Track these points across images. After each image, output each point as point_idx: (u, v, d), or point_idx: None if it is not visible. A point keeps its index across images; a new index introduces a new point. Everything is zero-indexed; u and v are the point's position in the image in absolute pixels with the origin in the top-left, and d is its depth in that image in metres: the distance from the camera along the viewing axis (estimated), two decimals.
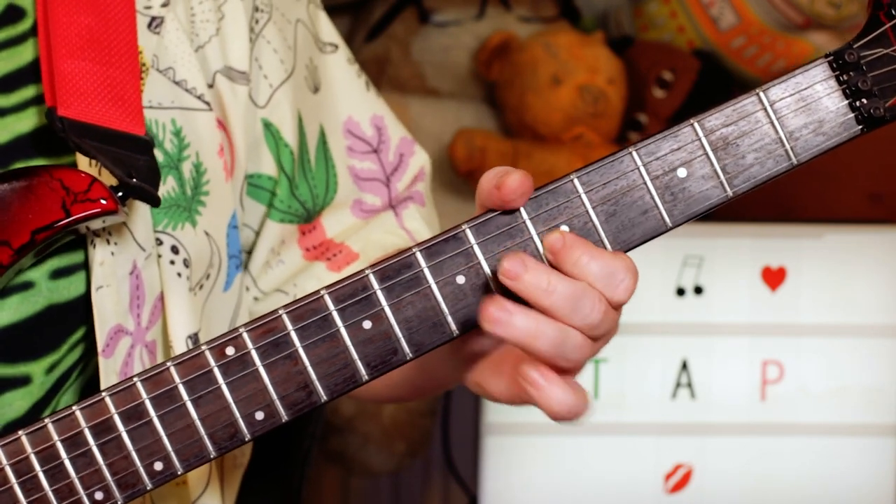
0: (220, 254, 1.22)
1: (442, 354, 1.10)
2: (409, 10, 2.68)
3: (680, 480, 2.41)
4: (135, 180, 1.08)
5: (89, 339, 1.13)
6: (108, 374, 1.11)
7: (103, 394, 1.03)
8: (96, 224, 1.08)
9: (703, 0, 2.67)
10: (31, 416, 1.12)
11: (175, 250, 1.16)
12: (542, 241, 1.01)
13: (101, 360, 1.11)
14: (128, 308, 1.13)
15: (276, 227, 1.29)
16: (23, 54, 1.13)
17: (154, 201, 1.09)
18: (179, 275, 1.16)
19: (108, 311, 1.11)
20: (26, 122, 1.12)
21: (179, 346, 1.16)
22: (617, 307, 1.02)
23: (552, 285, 0.98)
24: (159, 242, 1.16)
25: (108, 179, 1.09)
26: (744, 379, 2.40)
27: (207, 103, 1.20)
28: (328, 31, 1.36)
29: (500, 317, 0.98)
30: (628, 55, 2.67)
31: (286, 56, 1.27)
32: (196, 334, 1.18)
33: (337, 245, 1.31)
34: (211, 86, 1.21)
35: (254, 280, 1.30)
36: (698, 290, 2.37)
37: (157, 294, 1.16)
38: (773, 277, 2.38)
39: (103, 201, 1.06)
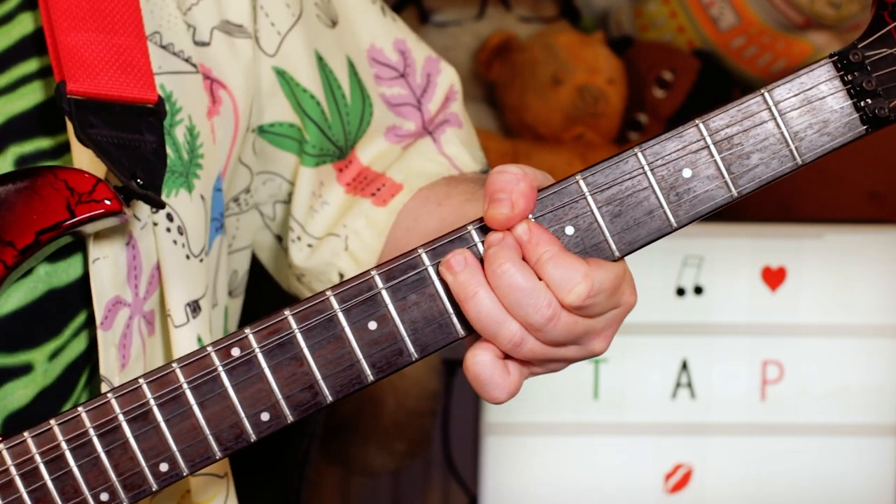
0: (205, 217, 1.21)
1: None
2: (409, 10, 2.68)
3: (680, 480, 2.41)
4: (139, 181, 1.07)
5: (92, 323, 1.12)
6: (107, 346, 1.11)
7: (108, 395, 1.03)
8: (101, 225, 1.08)
9: (703, 0, 2.67)
10: (36, 406, 1.12)
11: (170, 218, 1.15)
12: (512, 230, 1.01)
13: (100, 333, 1.10)
14: (126, 279, 1.12)
15: (313, 172, 1.28)
16: (10, 33, 1.12)
17: (159, 206, 1.09)
18: (175, 242, 1.16)
19: (105, 283, 1.10)
20: (19, 102, 1.11)
21: (178, 314, 1.15)
22: (570, 310, 1.00)
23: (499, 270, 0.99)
24: (154, 211, 1.15)
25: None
26: (744, 379, 2.40)
27: (194, 66, 1.19)
28: None
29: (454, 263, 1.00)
30: (628, 55, 2.67)
31: (292, 0, 1.26)
32: (197, 301, 1.17)
33: (377, 175, 1.30)
34: (207, 44, 1.20)
35: (302, 226, 1.29)
36: (698, 290, 2.37)
37: (153, 264, 1.15)
38: (773, 277, 2.38)
39: (108, 202, 1.06)
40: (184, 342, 1.15)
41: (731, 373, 2.40)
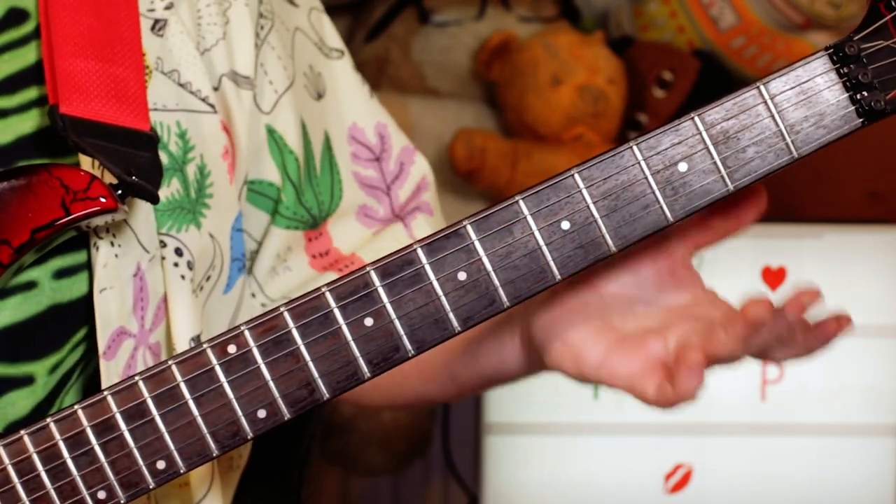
0: (222, 256, 1.22)
1: (503, 332, 1.13)
2: (409, 10, 2.68)
3: (680, 480, 2.41)
4: (134, 177, 1.07)
5: (91, 339, 1.13)
6: (111, 376, 1.11)
7: (105, 393, 1.03)
8: (98, 221, 1.08)
9: (703, 0, 2.67)
10: (35, 417, 1.11)
11: (179, 252, 1.16)
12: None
13: (103, 363, 1.10)
14: (132, 310, 1.13)
15: (282, 234, 1.29)
16: (26, 56, 1.13)
17: (153, 199, 1.09)
18: (183, 277, 1.16)
19: (111, 314, 1.11)
20: (29, 122, 1.12)
21: (183, 348, 1.15)
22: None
23: None
24: (163, 245, 1.15)
25: (109, 180, 1.09)
26: (744, 379, 2.39)
27: (212, 106, 1.20)
28: (333, 36, 1.36)
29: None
30: (628, 55, 2.67)
31: (288, 63, 1.27)
32: (198, 336, 1.17)
33: (347, 257, 1.31)
34: (217, 88, 1.21)
35: (260, 286, 1.30)
36: None
37: (160, 296, 1.15)
38: (773, 277, 2.38)
39: (102, 199, 1.06)
40: None
41: (731, 373, 2.39)
